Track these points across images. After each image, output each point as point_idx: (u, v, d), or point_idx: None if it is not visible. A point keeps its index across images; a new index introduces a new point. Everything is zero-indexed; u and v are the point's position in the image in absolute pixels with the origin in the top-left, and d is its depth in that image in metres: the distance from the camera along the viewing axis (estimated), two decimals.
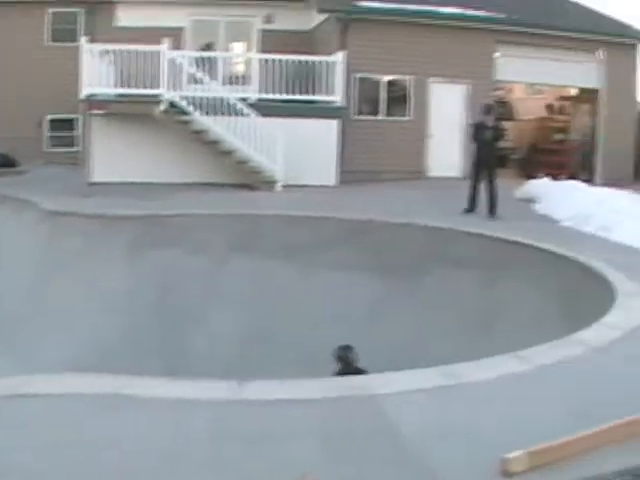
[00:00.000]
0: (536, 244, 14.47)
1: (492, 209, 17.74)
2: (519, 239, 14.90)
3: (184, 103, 20.87)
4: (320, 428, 6.45)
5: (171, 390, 7.34)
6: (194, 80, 21.73)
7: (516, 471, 5.51)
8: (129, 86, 21.20)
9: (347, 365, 11.57)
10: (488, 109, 18.50)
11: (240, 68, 25.75)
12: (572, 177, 22.05)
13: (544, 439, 5.76)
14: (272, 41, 25.50)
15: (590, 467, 5.68)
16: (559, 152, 25.55)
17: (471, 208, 17.99)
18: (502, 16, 25.07)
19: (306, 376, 8.45)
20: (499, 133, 18.30)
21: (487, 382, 7.51)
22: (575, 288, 12.60)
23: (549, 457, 5.67)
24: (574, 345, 8.72)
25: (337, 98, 22.63)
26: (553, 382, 7.59)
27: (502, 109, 26.03)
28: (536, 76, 26.68)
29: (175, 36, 23.79)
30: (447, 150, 24.40)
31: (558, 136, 27.56)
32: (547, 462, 5.65)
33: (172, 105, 20.95)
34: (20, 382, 7.73)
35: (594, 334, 9.14)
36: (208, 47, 26.35)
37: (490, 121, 18.19)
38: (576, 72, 26.63)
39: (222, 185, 21.06)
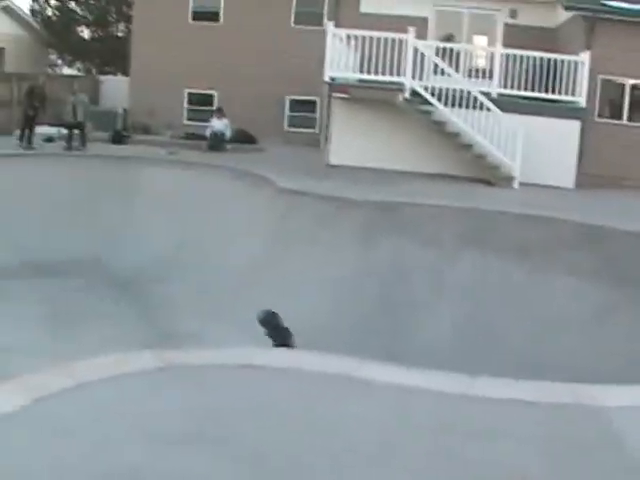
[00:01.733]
0: None
1: None
2: None
3: (426, 93, 20.81)
4: (542, 432, 6.33)
5: (399, 377, 7.33)
6: (437, 71, 21.63)
7: None
8: (371, 72, 21.31)
9: (275, 328, 12.10)
10: None
11: (482, 61, 25.51)
12: None
13: None
14: (515, 36, 25.19)
15: None
16: None
17: None
18: None
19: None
20: None
21: None
22: None
23: None
24: None
25: (580, 99, 22.04)
26: None
27: None
28: None
29: (418, 25, 23.74)
30: None
31: None
32: None
33: (414, 94, 20.94)
34: (250, 353, 7.90)
35: None
36: (449, 38, 26.29)
37: None
38: None
39: (457, 178, 20.95)
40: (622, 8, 23.39)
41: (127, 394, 6.67)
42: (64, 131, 25.91)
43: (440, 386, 7.17)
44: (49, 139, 25.85)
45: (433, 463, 5.70)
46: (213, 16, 29.64)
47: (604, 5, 23.45)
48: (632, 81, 23.66)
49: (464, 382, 7.30)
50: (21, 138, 23.95)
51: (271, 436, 5.97)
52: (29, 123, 24.22)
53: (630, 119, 23.75)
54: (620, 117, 23.73)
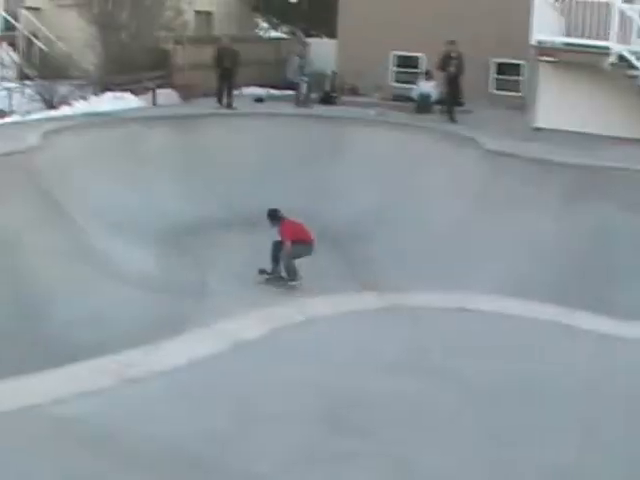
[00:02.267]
0: None
1: None
2: None
3: (634, 58, 20.77)
4: None
5: (603, 325, 7.86)
6: None
7: None
8: (578, 36, 21.40)
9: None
10: None
11: None
12: None
13: None
14: None
15: None
16: None
17: None
18: None
19: None
20: None
21: None
22: None
23: None
24: None
25: None
26: None
27: None
28: None
29: None
30: None
31: None
32: None
33: (620, 58, 20.89)
34: (463, 298, 8.60)
35: None
36: None
37: None
38: None
39: None
40: None
41: (352, 328, 7.52)
42: (273, 92, 27.14)
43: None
44: (259, 99, 27.08)
45: (623, 402, 6.30)
46: None
47: None
48: None
49: None
50: (219, 100, 24.92)
51: (480, 370, 6.69)
52: (225, 84, 25.10)
53: None
54: None
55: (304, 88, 26.50)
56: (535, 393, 6.50)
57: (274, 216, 17.39)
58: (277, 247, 17.15)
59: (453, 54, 23.75)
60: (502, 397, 6.40)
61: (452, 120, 23.47)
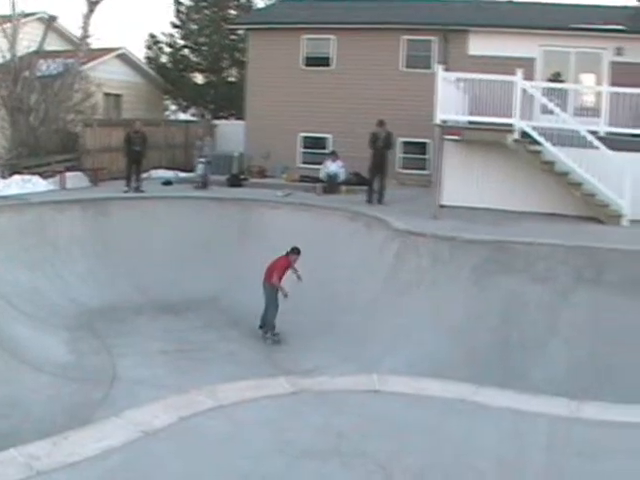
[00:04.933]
0: None
1: None
2: None
3: (535, 133, 21.24)
4: None
5: (514, 401, 7.90)
6: (545, 111, 22.02)
7: None
8: (481, 114, 21.82)
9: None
10: None
11: (589, 100, 25.83)
12: None
13: None
14: (621, 73, 25.49)
15: None
16: None
17: None
18: None
19: None
20: None
21: None
22: None
23: None
24: None
25: None
26: None
27: None
28: None
29: (525, 66, 24.18)
30: None
31: None
32: None
33: (523, 135, 21.36)
34: (374, 379, 8.55)
35: None
36: (556, 78, 26.68)
37: None
38: None
39: (566, 216, 21.18)
40: None
41: (265, 413, 7.42)
42: (181, 174, 27.17)
43: (550, 409, 7.73)
44: (167, 182, 27.05)
45: (544, 478, 6.27)
46: (325, 61, 30.45)
47: None
48: None
49: (574, 406, 7.80)
50: (128, 183, 24.97)
51: (397, 451, 6.63)
52: (133, 167, 25.23)
53: None
54: None
55: (201, 170, 26.49)
56: (451, 475, 6.44)
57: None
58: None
59: (381, 133, 24.03)
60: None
61: (380, 202, 23.70)
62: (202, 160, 26.77)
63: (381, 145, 23.88)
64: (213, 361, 16.76)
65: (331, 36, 30.31)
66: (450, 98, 22.03)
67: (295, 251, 18.52)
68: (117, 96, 35.42)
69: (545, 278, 16.98)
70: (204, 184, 26.20)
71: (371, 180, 24.25)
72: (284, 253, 18.49)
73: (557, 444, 6.90)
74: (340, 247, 20.56)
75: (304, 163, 30.10)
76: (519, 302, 16.83)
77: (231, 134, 32.34)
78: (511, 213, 21.17)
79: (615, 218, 20.92)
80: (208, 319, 19.65)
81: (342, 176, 26.33)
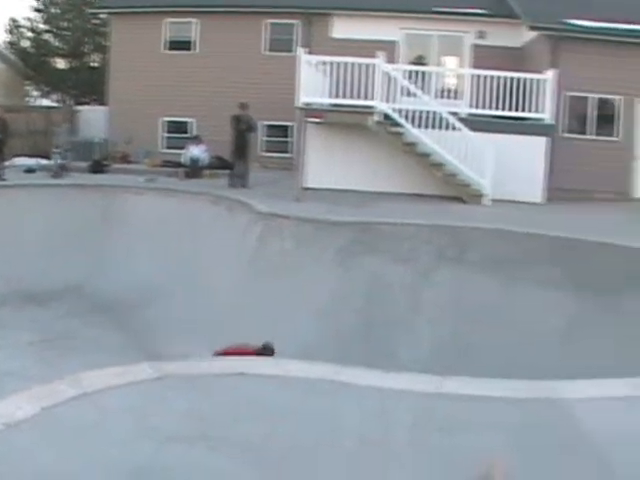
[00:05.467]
0: None
1: None
2: None
3: (397, 115, 21.37)
4: (507, 423, 6.82)
5: (379, 379, 7.86)
6: (407, 93, 22.17)
7: None
8: (343, 96, 21.84)
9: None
10: None
11: (451, 82, 26.11)
12: None
13: None
14: (483, 56, 25.91)
15: None
16: None
17: None
18: None
19: None
20: None
21: None
22: None
23: None
24: None
25: (546, 116, 22.65)
26: None
27: None
28: None
29: (388, 49, 24.34)
30: None
31: None
32: None
33: (385, 117, 21.48)
34: (241, 363, 8.42)
35: None
36: (420, 60, 26.90)
37: None
38: None
39: (430, 197, 21.44)
40: (585, 26, 24.02)
41: (130, 400, 7.19)
42: (43, 162, 26.50)
43: (414, 386, 7.70)
44: (30, 170, 26.34)
45: (409, 455, 6.21)
46: (188, 45, 30.09)
47: (567, 24, 24.05)
48: (597, 96, 24.31)
49: (437, 382, 7.78)
50: None
51: (262, 433, 6.49)
52: None
53: (596, 133, 24.41)
54: (587, 132, 24.39)
55: (57, 158, 25.88)
56: (318, 455, 6.33)
57: None
58: None
59: (243, 116, 23.88)
60: (289, 462, 6.19)
61: (243, 185, 23.46)
62: (56, 149, 26.11)
63: (243, 128, 23.69)
64: (79, 349, 16.35)
65: (194, 20, 29.94)
66: (313, 81, 22.04)
67: (269, 352, 14.49)
68: None
69: (408, 258, 17.06)
70: (60, 172, 25.48)
71: (233, 163, 24.11)
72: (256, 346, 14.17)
73: (420, 420, 6.86)
74: (203, 231, 20.31)
75: (168, 148, 29.65)
76: (383, 282, 16.90)
77: (94, 120, 31.72)
78: (375, 194, 21.25)
79: (477, 198, 21.26)
80: (72, 307, 19.23)
81: (205, 160, 26.07)
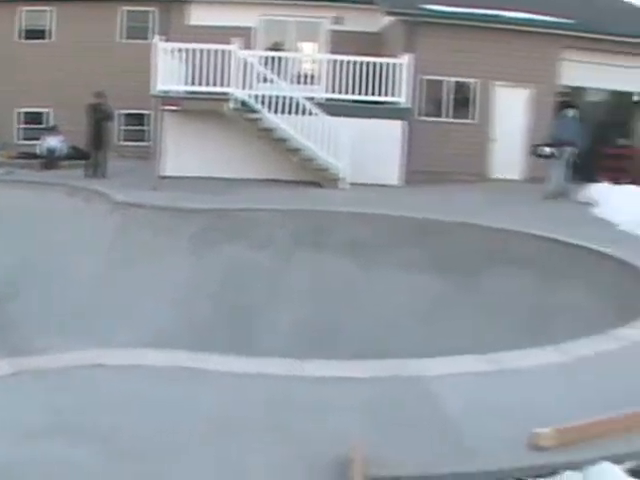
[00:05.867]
0: (594, 247, 14.66)
1: None
2: (576, 241, 15.12)
3: (253, 101, 21.33)
4: (367, 402, 6.94)
5: (235, 365, 7.85)
6: (264, 79, 22.12)
7: (544, 445, 5.94)
8: (200, 84, 21.71)
9: None
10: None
11: (309, 68, 26.19)
12: (634, 182, 21.99)
13: (572, 420, 6.19)
14: (341, 41, 25.98)
15: (614, 447, 6.05)
16: (622, 156, 25.43)
17: None
18: (569, 21, 25.18)
19: None
20: None
21: (527, 369, 7.97)
22: (632, 292, 12.80)
23: (575, 436, 6.05)
24: (615, 340, 9.16)
25: (402, 99, 22.93)
26: (588, 372, 7.98)
27: None
28: (601, 82, 26.72)
29: (245, 35, 24.28)
30: (509, 153, 24.64)
31: (621, 140, 27.52)
32: (573, 440, 6.03)
33: (242, 103, 21.42)
34: (98, 354, 8.31)
35: (636, 331, 9.56)
36: (277, 46, 26.87)
37: None
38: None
39: (288, 182, 21.45)
40: (440, 11, 24.37)
41: None
42: None
43: (271, 370, 7.71)
44: None
45: (266, 438, 6.20)
46: (43, 34, 29.43)
47: (423, 9, 24.35)
48: (452, 79, 24.70)
49: (293, 365, 7.88)
50: None
51: (120, 424, 6.40)
52: None
53: (453, 116, 24.81)
54: (442, 115, 24.76)
55: None
56: (175, 442, 6.25)
57: None
58: None
59: (99, 105, 23.47)
60: (146, 450, 6.09)
61: (103, 175, 23.03)
62: None
63: (100, 117, 23.28)
64: None
65: (49, 8, 29.26)
66: (169, 69, 21.88)
67: None
68: None
69: (266, 244, 17.16)
70: None
71: (90, 153, 23.68)
72: None
73: (277, 403, 6.89)
74: (61, 223, 19.85)
75: (25, 139, 28.85)
76: (242, 269, 16.94)
77: None
78: (233, 181, 21.18)
79: (334, 182, 21.43)
80: None
81: (62, 151, 25.58)
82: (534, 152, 23.21)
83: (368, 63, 22.69)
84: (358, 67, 22.64)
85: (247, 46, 23.24)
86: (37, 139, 26.92)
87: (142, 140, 28.00)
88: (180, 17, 27.67)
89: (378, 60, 22.89)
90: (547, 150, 22.88)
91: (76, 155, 25.13)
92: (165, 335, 15.00)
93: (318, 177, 21.62)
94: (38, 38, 29.44)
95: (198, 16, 27.38)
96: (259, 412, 6.70)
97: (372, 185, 21.42)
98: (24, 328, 16.85)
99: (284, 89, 21.74)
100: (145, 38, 26.68)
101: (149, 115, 27.12)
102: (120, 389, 7.22)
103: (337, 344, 15.25)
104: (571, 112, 23.15)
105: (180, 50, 22.11)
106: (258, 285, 16.66)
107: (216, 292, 16.59)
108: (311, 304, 16.21)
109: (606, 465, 5.78)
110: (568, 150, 22.04)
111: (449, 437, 6.27)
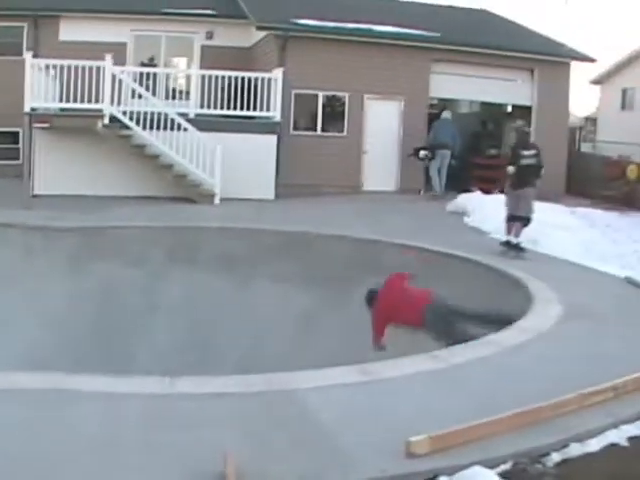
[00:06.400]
0: (466, 255, 15.14)
1: None
2: (444, 250, 15.61)
3: (125, 118, 21.25)
4: (243, 417, 7.04)
5: (108, 385, 7.89)
6: (138, 95, 22.07)
7: (419, 453, 6.12)
8: (72, 100, 21.49)
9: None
10: None
11: (181, 83, 26.24)
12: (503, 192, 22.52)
13: (448, 426, 6.41)
14: (213, 57, 26.17)
15: (487, 451, 6.31)
16: (492, 167, 26.14)
17: None
18: (437, 35, 25.79)
19: None
20: None
21: (402, 377, 8.18)
22: (499, 297, 13.19)
23: (450, 441, 6.27)
24: (488, 345, 9.46)
25: (275, 114, 23.15)
26: (463, 378, 8.26)
27: None
28: (471, 94, 27.47)
29: (118, 51, 24.16)
30: (382, 165, 25.09)
31: (492, 151, 28.24)
32: (448, 446, 6.24)
33: (113, 119, 21.31)
34: None
35: (507, 336, 9.88)
36: (150, 62, 26.84)
37: None
38: (511, 89, 27.46)
39: (162, 198, 21.44)
40: (311, 25, 24.67)
41: None
42: None
43: (144, 389, 7.77)
44: None
45: (139, 455, 6.24)
46: None
47: (294, 23, 24.62)
48: (324, 93, 25.01)
49: (167, 383, 7.90)
50: None
51: None
52: None
53: (323, 130, 25.12)
54: (315, 128, 25.05)
55: None
56: (48, 465, 6.25)
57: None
58: None
59: None
60: (18, 476, 6.08)
61: None
62: None
63: None
64: None
65: None
66: (40, 85, 21.58)
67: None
68: None
69: (140, 261, 17.11)
70: None
71: None
72: None
73: (151, 421, 6.94)
74: None
75: None
76: (117, 287, 16.88)
77: None
78: (106, 199, 21.03)
79: (208, 197, 21.49)
80: None
81: None
82: (415, 154, 23.88)
83: (240, 77, 22.89)
84: (230, 81, 22.81)
85: (120, 62, 23.14)
86: None
87: (16, 159, 27.55)
88: (51, 32, 27.34)
89: (250, 74, 23.12)
90: (423, 153, 23.62)
91: None
92: (39, 358, 14.80)
93: (192, 193, 21.65)
94: None
95: (69, 31, 27.13)
96: (132, 430, 6.77)
97: (247, 200, 21.58)
98: None
99: (156, 105, 21.69)
100: (19, 54, 26.31)
101: (21, 132, 26.75)
102: None
103: (215, 356, 15.41)
104: (447, 114, 23.83)
105: (51, 66, 21.86)
106: (133, 303, 16.62)
107: (91, 311, 16.50)
108: (187, 319, 16.35)
109: (477, 469, 5.98)
110: (444, 152, 22.78)
111: (322, 447, 6.41)
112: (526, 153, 15.77)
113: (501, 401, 7.28)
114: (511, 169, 15.68)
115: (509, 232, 15.93)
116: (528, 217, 15.75)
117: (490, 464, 6.14)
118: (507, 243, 15.90)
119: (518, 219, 15.81)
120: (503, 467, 6.18)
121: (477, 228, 18.99)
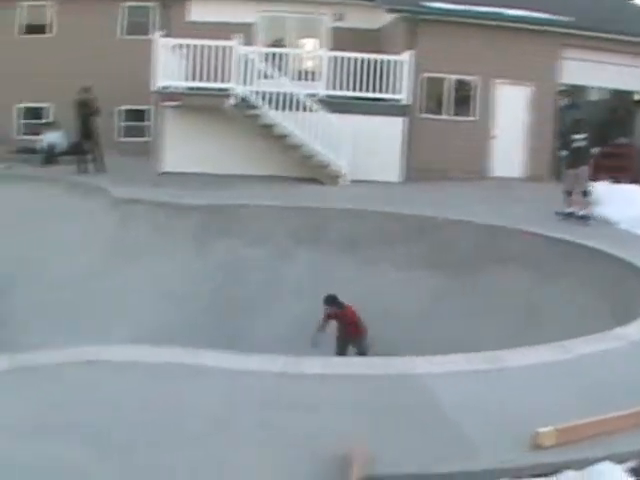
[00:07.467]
0: (589, 244, 14.70)
1: None
2: (570, 238, 15.20)
3: (253, 97, 21.26)
4: (365, 400, 6.95)
5: (229, 362, 7.84)
6: (264, 75, 22.07)
7: (545, 445, 5.96)
8: (200, 79, 21.62)
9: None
10: None
11: (309, 64, 26.10)
12: (634, 181, 21.94)
13: (571, 420, 6.22)
14: (341, 38, 25.91)
15: (612, 446, 6.07)
16: (622, 155, 25.35)
17: None
18: (569, 19, 25.14)
19: None
20: None
21: (527, 367, 8.02)
22: (625, 288, 12.80)
23: (576, 435, 6.08)
24: (615, 339, 9.19)
25: (403, 96, 22.89)
26: (589, 370, 8.03)
27: None
28: (602, 80, 26.69)
29: (246, 31, 24.18)
30: (510, 151, 24.58)
31: (621, 139, 27.47)
32: (573, 439, 6.05)
33: (242, 99, 21.35)
34: (94, 351, 8.29)
35: (635, 330, 9.55)
36: (277, 43, 26.80)
37: None
38: None
39: (288, 179, 21.44)
40: (441, 9, 24.28)
41: None
42: None
43: (264, 367, 7.70)
44: None
45: (257, 436, 6.20)
46: (43, 29, 29.36)
47: (424, 6, 24.27)
48: (453, 77, 24.62)
49: (288, 363, 7.88)
50: None
51: (112, 421, 6.39)
52: None
53: (454, 113, 24.73)
54: (443, 112, 24.69)
55: None
56: (164, 439, 6.22)
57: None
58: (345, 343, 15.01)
59: (86, 100, 23.17)
60: (135, 447, 6.06)
61: (101, 170, 22.97)
62: None
63: (87, 112, 23.12)
64: None
65: (49, 3, 29.23)
66: (170, 64, 21.76)
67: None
68: None
69: (265, 239, 17.22)
70: None
71: (83, 149, 23.51)
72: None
73: (269, 401, 6.89)
74: (60, 218, 19.86)
75: (25, 134, 28.87)
76: (239, 264, 17.05)
77: None
78: (234, 177, 21.11)
79: (335, 178, 21.39)
80: None
81: (63, 146, 25.55)
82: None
83: (369, 60, 22.64)
84: (359, 64, 22.59)
85: (247, 42, 23.13)
86: (37, 134, 26.90)
87: (142, 136, 27.92)
88: (180, 13, 27.56)
89: (379, 57, 22.82)
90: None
91: (77, 151, 25.14)
92: (163, 330, 15.08)
93: (319, 174, 21.58)
94: (38, 33, 29.36)
95: (198, 12, 27.27)
96: (250, 409, 6.70)
97: (372, 182, 21.40)
98: (18, 324, 16.87)
99: (285, 85, 21.65)
100: (146, 34, 26.59)
101: (149, 111, 27.05)
102: (111, 385, 7.21)
103: (331, 342, 15.29)
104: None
105: (180, 46, 22.02)
106: (255, 280, 16.78)
107: (215, 287, 16.74)
108: (309, 299, 16.12)
109: (607, 465, 5.78)
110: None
111: (447, 436, 6.27)
112: (577, 137, 17.63)
113: (625, 396, 7.05)
114: (564, 153, 17.99)
115: (569, 205, 17.86)
116: (585, 190, 17.78)
117: (616, 460, 5.93)
118: (570, 214, 17.70)
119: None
120: (631, 464, 5.96)
121: (605, 218, 18.47)
